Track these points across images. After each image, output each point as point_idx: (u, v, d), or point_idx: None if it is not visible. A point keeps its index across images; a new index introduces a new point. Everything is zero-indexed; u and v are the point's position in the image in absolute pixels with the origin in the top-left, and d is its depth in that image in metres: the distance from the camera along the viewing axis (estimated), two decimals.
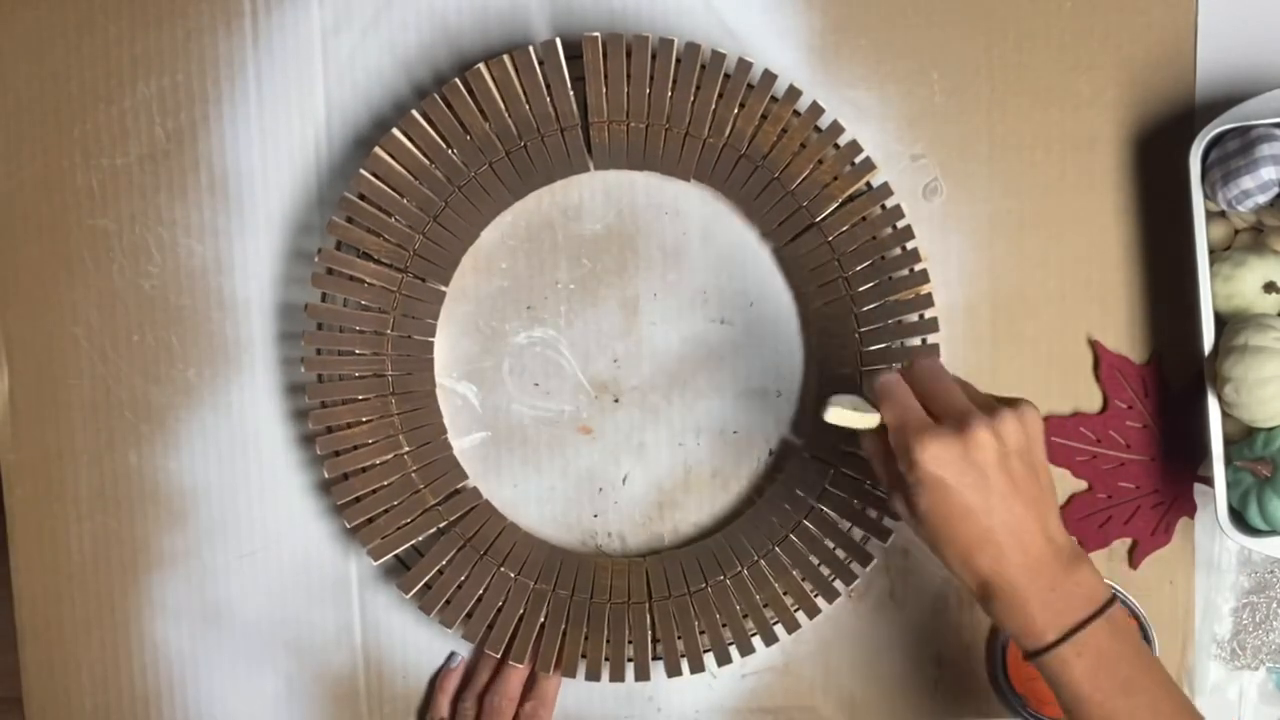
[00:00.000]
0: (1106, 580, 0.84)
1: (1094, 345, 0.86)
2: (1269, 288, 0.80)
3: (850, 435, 0.74)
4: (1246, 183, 0.79)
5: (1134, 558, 0.87)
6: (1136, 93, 0.86)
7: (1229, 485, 0.80)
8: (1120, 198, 0.86)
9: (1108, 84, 0.86)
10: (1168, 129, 0.85)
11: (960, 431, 0.67)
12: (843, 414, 0.70)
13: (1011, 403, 0.69)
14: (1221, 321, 0.81)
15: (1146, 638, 0.87)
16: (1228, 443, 0.81)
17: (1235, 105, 0.80)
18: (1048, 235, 0.86)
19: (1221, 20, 0.85)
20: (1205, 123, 0.80)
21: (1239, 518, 0.81)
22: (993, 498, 0.67)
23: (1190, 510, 0.87)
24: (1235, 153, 0.79)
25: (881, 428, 0.71)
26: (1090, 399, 0.87)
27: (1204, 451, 0.81)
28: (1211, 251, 0.82)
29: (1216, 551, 0.87)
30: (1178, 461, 0.87)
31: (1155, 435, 0.87)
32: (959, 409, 0.68)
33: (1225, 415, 0.81)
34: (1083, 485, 0.87)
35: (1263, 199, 0.80)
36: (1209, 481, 0.83)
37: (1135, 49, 0.85)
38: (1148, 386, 0.86)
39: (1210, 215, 0.82)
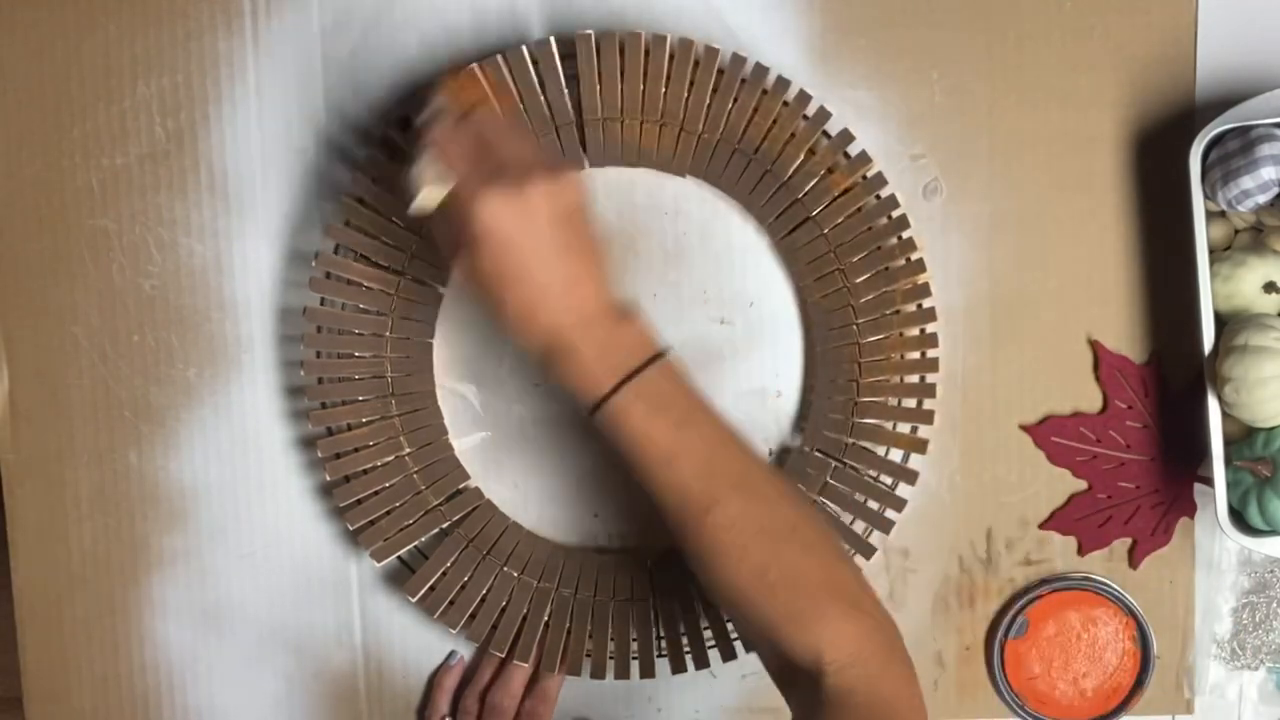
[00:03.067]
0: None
1: (1094, 345, 0.86)
2: (1269, 288, 0.80)
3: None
4: (1246, 183, 0.79)
5: (1134, 558, 0.87)
6: (1136, 93, 0.86)
7: (1229, 485, 0.80)
8: (1120, 198, 0.86)
9: (1108, 84, 0.86)
10: (1168, 129, 0.85)
11: (519, 185, 0.68)
12: (431, 195, 0.69)
13: (561, 167, 0.70)
14: (1221, 321, 0.81)
15: (1145, 639, 0.87)
16: (1228, 443, 0.81)
17: (1235, 105, 0.80)
18: (1048, 235, 0.86)
19: (1221, 20, 0.85)
20: (1205, 123, 0.80)
21: (1239, 518, 0.81)
22: (549, 251, 0.69)
23: (1190, 510, 0.87)
24: (1235, 153, 0.79)
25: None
26: (1090, 399, 0.87)
27: (1204, 451, 0.81)
28: (1211, 251, 0.82)
29: (1216, 551, 0.87)
30: (1178, 461, 0.87)
31: (1155, 435, 0.87)
32: (516, 164, 0.68)
33: (1225, 415, 0.81)
34: (1083, 485, 0.87)
35: (1263, 199, 0.80)
36: (1209, 481, 0.83)
37: (1135, 49, 0.85)
38: (1148, 386, 0.86)
39: (1210, 215, 0.82)
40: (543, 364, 0.71)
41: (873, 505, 0.85)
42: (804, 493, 0.74)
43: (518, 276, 0.69)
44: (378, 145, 0.85)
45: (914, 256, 0.84)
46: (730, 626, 0.84)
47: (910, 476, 0.85)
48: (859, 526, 0.85)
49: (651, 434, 0.70)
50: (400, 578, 0.87)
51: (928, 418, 0.84)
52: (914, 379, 0.84)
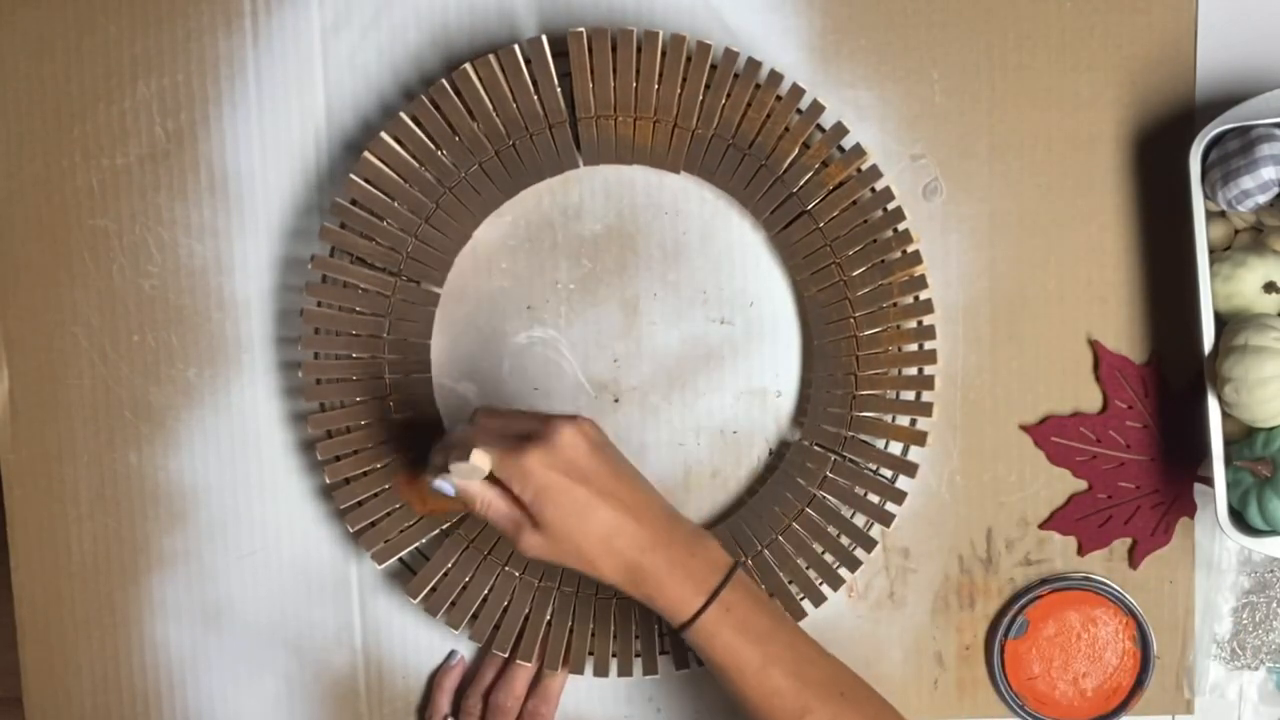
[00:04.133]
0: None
1: (1094, 345, 0.86)
2: (1269, 288, 0.80)
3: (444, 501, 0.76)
4: (1246, 183, 0.79)
5: (1134, 558, 0.87)
6: (1136, 93, 0.86)
7: (1229, 485, 0.80)
8: (1120, 198, 0.86)
9: (1108, 84, 0.86)
10: (1168, 129, 0.85)
11: (550, 435, 0.71)
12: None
13: (566, 415, 0.74)
14: (1221, 321, 0.81)
15: (1145, 639, 0.87)
16: (1228, 443, 0.81)
17: (1235, 105, 0.80)
18: (1048, 235, 0.86)
19: (1221, 20, 0.85)
20: (1205, 123, 0.80)
21: (1239, 518, 0.81)
22: (604, 481, 0.72)
23: (1190, 510, 0.87)
24: (1235, 153, 0.79)
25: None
26: (1090, 399, 0.87)
27: (1204, 451, 0.81)
28: (1211, 251, 0.82)
29: (1216, 551, 0.87)
30: (1178, 461, 0.87)
31: (1155, 435, 0.87)
32: (535, 425, 0.72)
33: (1225, 415, 0.81)
34: (1083, 485, 0.87)
35: (1263, 199, 0.80)
36: (1209, 481, 0.83)
37: (1135, 49, 0.85)
38: (1148, 386, 0.86)
39: (1210, 215, 0.82)
40: (631, 585, 0.73)
41: (873, 499, 0.85)
42: (880, 698, 0.77)
43: (586, 513, 0.72)
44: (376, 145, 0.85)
45: (910, 249, 0.84)
46: None
47: (910, 469, 0.85)
48: (859, 520, 0.85)
49: (743, 646, 0.73)
50: (401, 578, 0.87)
51: (926, 410, 0.84)
52: (912, 371, 0.84)
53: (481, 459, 0.71)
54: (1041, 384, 0.87)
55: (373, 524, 0.84)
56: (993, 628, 0.88)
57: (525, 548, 0.73)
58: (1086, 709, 0.88)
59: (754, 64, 0.82)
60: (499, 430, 0.73)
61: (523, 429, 0.73)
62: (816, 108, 0.83)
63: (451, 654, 0.89)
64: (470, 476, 0.72)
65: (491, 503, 0.73)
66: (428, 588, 0.84)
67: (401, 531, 0.85)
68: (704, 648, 0.74)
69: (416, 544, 0.85)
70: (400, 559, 0.86)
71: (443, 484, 0.73)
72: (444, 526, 0.85)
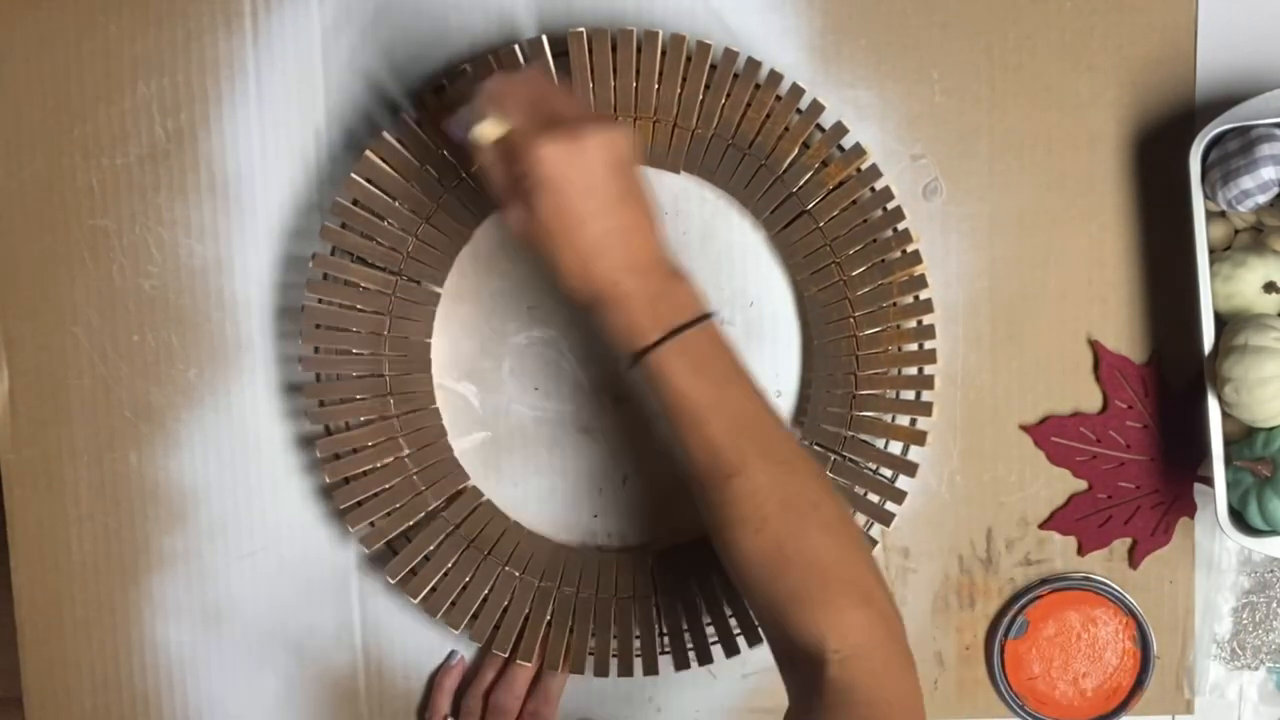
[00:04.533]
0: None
1: (1094, 345, 0.86)
2: (1269, 288, 0.80)
3: (458, 149, 0.73)
4: (1246, 183, 0.79)
5: (1134, 558, 0.87)
6: (1136, 93, 0.86)
7: (1229, 485, 0.80)
8: (1120, 198, 0.86)
9: (1108, 84, 0.86)
10: (1168, 129, 0.85)
11: (578, 133, 0.68)
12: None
13: (609, 119, 0.71)
14: (1221, 321, 0.81)
15: (1145, 639, 0.87)
16: (1228, 443, 0.81)
17: (1235, 105, 0.80)
18: (1048, 235, 0.86)
19: (1221, 20, 0.85)
20: (1205, 123, 0.80)
21: (1239, 518, 0.81)
22: (607, 200, 0.69)
23: (1190, 510, 0.87)
24: (1235, 153, 0.79)
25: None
26: (1090, 399, 0.87)
27: (1204, 451, 0.81)
28: (1211, 251, 0.82)
29: (1216, 551, 0.87)
30: (1178, 461, 0.87)
31: (1155, 435, 0.87)
32: (572, 114, 0.69)
33: (1225, 415, 0.81)
34: (1083, 485, 0.87)
35: (1263, 199, 0.80)
36: (1209, 481, 0.83)
37: (1135, 49, 0.85)
38: (1148, 386, 0.86)
39: (1210, 215, 0.82)
40: (589, 310, 0.71)
41: (873, 498, 0.85)
42: (828, 478, 0.73)
43: (576, 222, 0.69)
44: (375, 144, 0.85)
45: (910, 249, 0.84)
46: (733, 622, 0.84)
47: (910, 469, 0.85)
48: (859, 519, 0.85)
49: (688, 390, 0.70)
50: (401, 578, 0.87)
51: (926, 409, 0.84)
52: (912, 371, 0.84)
53: (493, 128, 0.69)
54: (1041, 384, 0.87)
55: (372, 524, 0.84)
56: (993, 628, 0.88)
57: (507, 220, 0.70)
58: (1086, 709, 0.88)
59: (754, 64, 0.82)
60: (535, 97, 0.70)
61: (557, 110, 0.69)
62: (816, 107, 0.83)
63: (452, 654, 0.89)
64: (484, 131, 0.69)
65: (494, 165, 0.71)
66: (427, 588, 0.84)
67: (401, 533, 0.85)
68: (650, 384, 0.71)
69: (422, 550, 0.84)
70: (399, 558, 0.85)
71: (454, 129, 0.70)
72: (445, 530, 0.85)
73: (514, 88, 0.71)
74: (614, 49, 0.82)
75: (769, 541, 0.70)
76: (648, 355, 0.70)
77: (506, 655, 0.85)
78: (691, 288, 0.72)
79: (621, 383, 0.87)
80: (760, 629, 0.73)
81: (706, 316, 0.72)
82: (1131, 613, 0.87)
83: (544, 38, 0.82)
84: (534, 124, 0.69)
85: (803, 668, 0.69)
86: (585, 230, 0.69)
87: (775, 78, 0.83)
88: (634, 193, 0.71)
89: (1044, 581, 0.87)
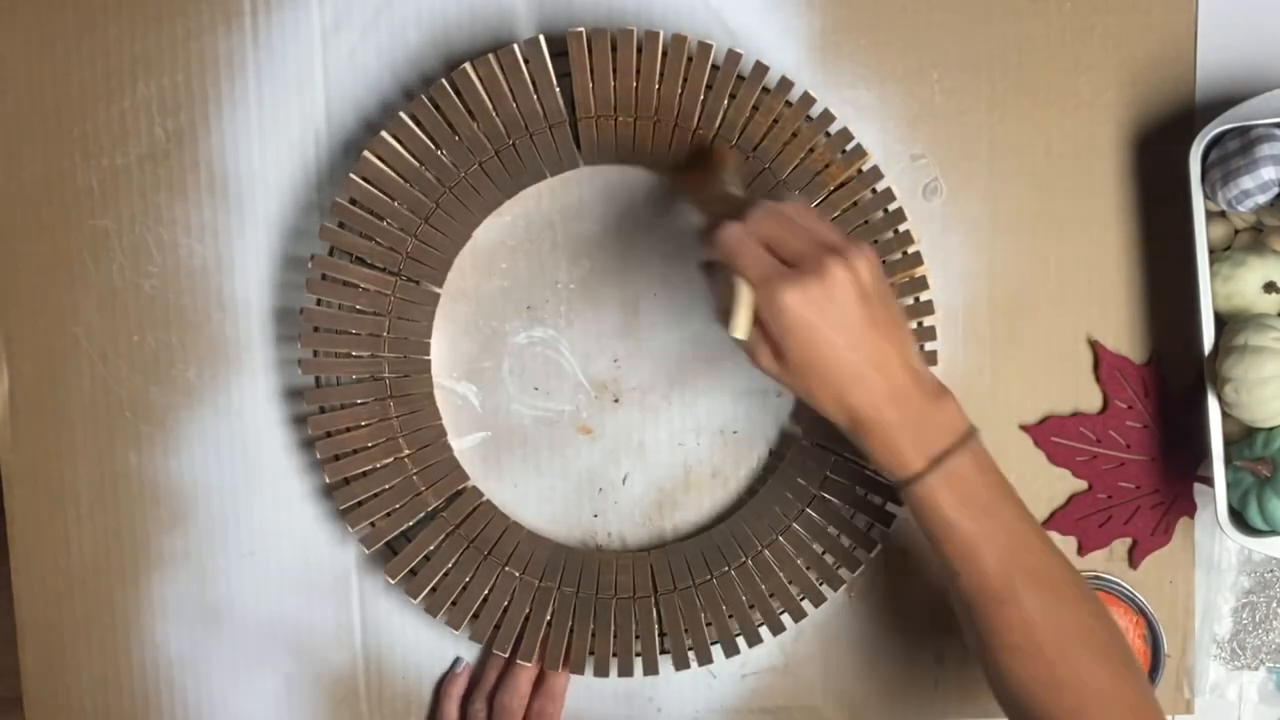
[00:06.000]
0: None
1: (1094, 345, 0.86)
2: (1269, 288, 0.80)
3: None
4: (1246, 183, 0.79)
5: (1134, 558, 0.87)
6: (1136, 93, 0.86)
7: (1229, 485, 0.80)
8: (1120, 198, 0.86)
9: (1108, 84, 0.86)
10: (1168, 129, 0.85)
11: (819, 272, 0.67)
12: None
13: (852, 241, 0.70)
14: (1221, 321, 0.81)
15: (1155, 637, 0.87)
16: (1228, 443, 0.81)
17: (1235, 105, 0.80)
18: (1048, 235, 0.86)
19: (1221, 20, 0.85)
20: (1205, 123, 0.80)
21: (1239, 518, 0.81)
22: (857, 332, 0.68)
23: (1190, 510, 0.87)
24: (1235, 153, 0.79)
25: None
26: (1090, 399, 0.87)
27: (1204, 451, 0.81)
28: (1211, 251, 0.82)
29: (1216, 551, 0.87)
30: (1178, 461, 0.87)
31: (1155, 435, 0.87)
32: (810, 251, 0.68)
33: (1225, 415, 0.81)
34: (1083, 485, 0.87)
35: (1263, 199, 0.80)
36: (1209, 481, 0.83)
37: (1135, 49, 0.85)
38: (1148, 386, 0.86)
39: (1210, 215, 0.82)
40: (854, 434, 0.71)
41: (874, 499, 0.85)
42: (1098, 599, 0.74)
43: (828, 360, 0.68)
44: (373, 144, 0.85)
45: (910, 250, 0.84)
46: (733, 622, 0.84)
47: None
48: (860, 521, 0.85)
49: (956, 521, 0.70)
50: (405, 582, 0.87)
51: None
52: None
53: (743, 328, 0.68)
54: (1041, 384, 0.87)
55: (372, 524, 0.84)
56: None
57: (759, 365, 0.70)
58: None
59: (761, 68, 0.82)
60: (772, 240, 0.69)
61: (795, 252, 0.68)
62: (827, 117, 0.83)
63: (457, 661, 0.89)
64: (737, 331, 0.69)
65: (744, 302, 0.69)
66: (428, 588, 0.84)
67: (401, 533, 0.85)
68: (917, 512, 0.71)
69: (423, 552, 0.84)
70: (399, 558, 0.85)
71: (736, 324, 0.69)
72: (445, 530, 0.85)
73: (743, 240, 0.69)
74: (614, 49, 0.82)
75: (1042, 668, 0.70)
76: (913, 485, 0.70)
77: (507, 656, 0.85)
78: (952, 406, 0.71)
79: (620, 384, 0.87)
80: None
81: (969, 436, 0.71)
82: (1142, 611, 0.87)
83: (541, 38, 0.82)
84: (773, 271, 0.68)
85: None
86: (839, 365, 0.68)
87: (786, 84, 0.83)
88: (885, 315, 0.69)
89: None
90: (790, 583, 0.84)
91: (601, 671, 0.85)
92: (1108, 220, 0.86)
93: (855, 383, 0.69)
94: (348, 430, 0.84)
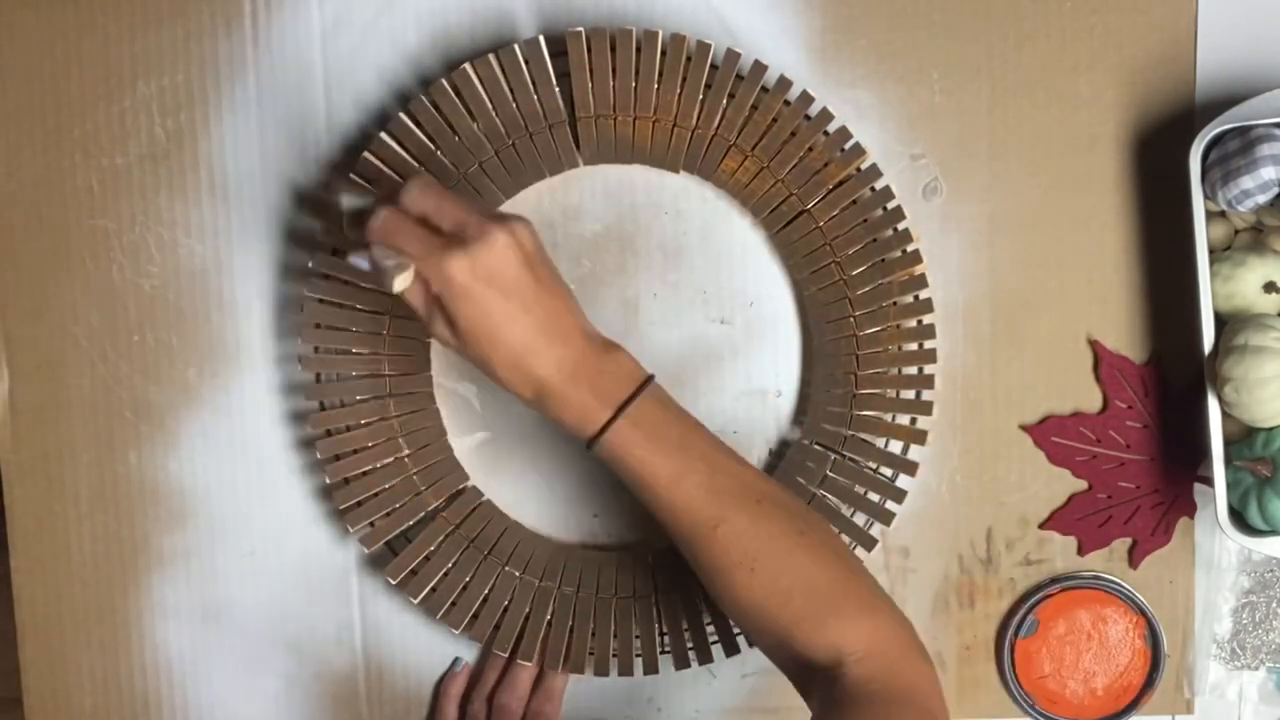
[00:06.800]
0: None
1: (1094, 345, 0.86)
2: (1269, 288, 0.80)
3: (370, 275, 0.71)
4: (1246, 183, 0.79)
5: (1134, 558, 0.87)
6: (1136, 93, 0.86)
7: (1229, 485, 0.80)
8: (1120, 198, 0.86)
9: (1108, 84, 0.86)
10: (1168, 129, 0.85)
11: (484, 239, 0.68)
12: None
13: (504, 213, 0.70)
14: (1221, 321, 0.81)
15: (1155, 637, 0.87)
16: (1228, 443, 0.81)
17: (1235, 105, 0.80)
18: (1048, 235, 0.86)
19: (1221, 20, 0.85)
20: (1205, 123, 0.80)
21: (1239, 518, 0.81)
22: (530, 293, 0.69)
23: (1190, 510, 0.87)
24: (1235, 153, 0.79)
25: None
26: (1090, 399, 0.87)
27: (1204, 451, 0.81)
28: (1211, 251, 0.82)
29: (1216, 551, 0.87)
30: (1178, 461, 0.87)
31: (1155, 435, 0.87)
32: (471, 219, 0.68)
33: (1225, 415, 0.81)
34: (1083, 485, 0.87)
35: (1263, 199, 0.80)
36: (1209, 481, 0.83)
37: (1135, 49, 0.85)
38: (1148, 386, 0.86)
39: (1210, 215, 0.82)
40: (536, 402, 0.72)
41: (873, 498, 0.85)
42: (805, 508, 0.75)
43: (499, 330, 0.69)
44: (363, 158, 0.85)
45: (910, 248, 0.84)
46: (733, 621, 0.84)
47: (910, 468, 0.85)
48: (859, 519, 0.85)
49: (653, 459, 0.72)
50: (401, 579, 0.87)
51: (926, 409, 0.84)
52: (912, 370, 0.84)
53: (404, 281, 0.68)
54: (1041, 384, 0.87)
55: (372, 524, 0.84)
56: (1003, 627, 0.88)
57: (435, 337, 0.70)
58: (1097, 708, 0.88)
59: (760, 67, 0.82)
60: (428, 214, 0.69)
61: (454, 222, 0.68)
62: (825, 116, 0.83)
63: (456, 661, 0.89)
64: (398, 287, 0.69)
65: (411, 294, 0.70)
66: (428, 588, 0.84)
67: (401, 533, 0.85)
68: (614, 462, 0.72)
69: (423, 551, 0.84)
70: (400, 558, 0.85)
71: (358, 261, 0.70)
72: (445, 530, 0.85)
73: (400, 221, 0.69)
74: (613, 49, 0.82)
75: (765, 577, 0.72)
76: (603, 436, 0.71)
77: (507, 655, 0.85)
78: (626, 358, 0.73)
79: None
80: (775, 662, 0.74)
81: (647, 381, 0.73)
82: (1142, 611, 0.87)
83: (540, 38, 0.82)
84: (434, 244, 0.68)
85: (821, 682, 0.71)
86: (512, 331, 0.69)
87: (784, 83, 0.83)
88: (549, 280, 0.71)
89: (1054, 580, 0.87)
90: None
91: (601, 671, 0.84)
92: (1108, 220, 0.86)
93: (531, 347, 0.70)
94: (348, 429, 0.84)
